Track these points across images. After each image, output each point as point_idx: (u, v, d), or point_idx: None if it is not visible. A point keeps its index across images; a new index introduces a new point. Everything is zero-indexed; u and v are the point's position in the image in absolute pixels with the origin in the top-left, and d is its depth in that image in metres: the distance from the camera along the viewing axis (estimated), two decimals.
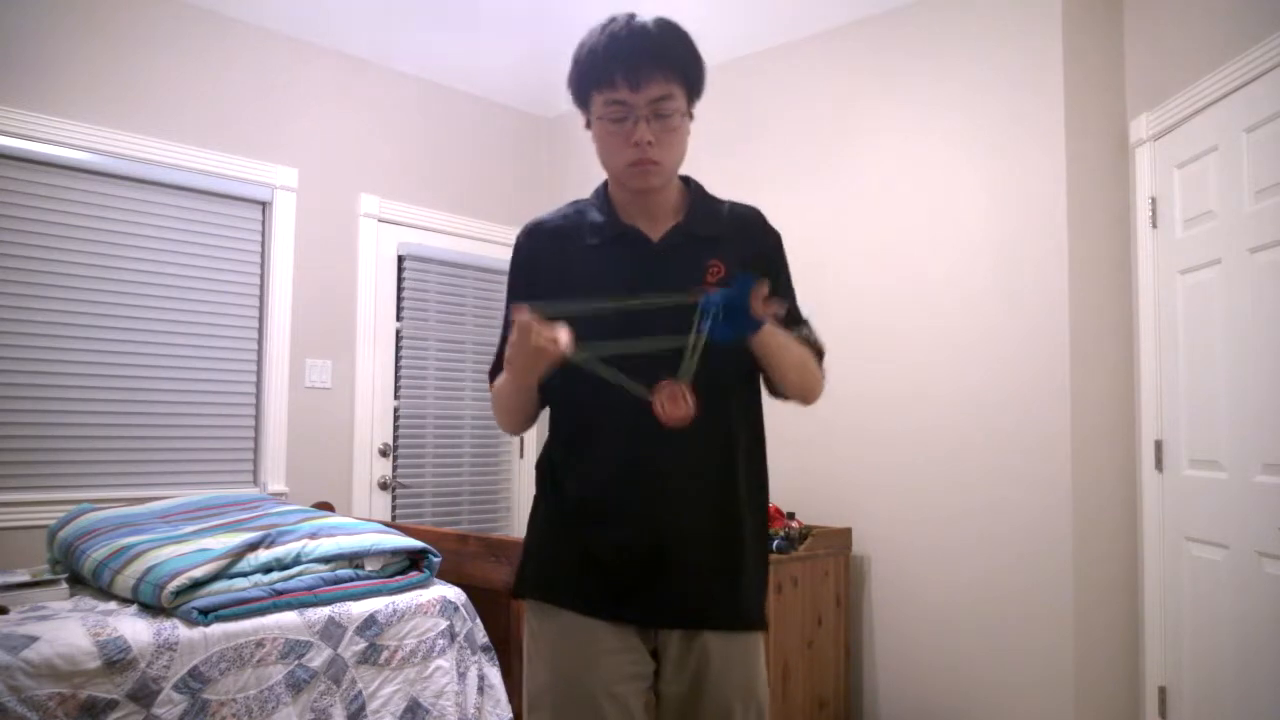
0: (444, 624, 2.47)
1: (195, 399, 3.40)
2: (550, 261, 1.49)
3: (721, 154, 3.59)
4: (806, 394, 1.53)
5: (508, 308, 1.50)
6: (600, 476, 1.44)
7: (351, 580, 2.42)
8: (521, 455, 4.37)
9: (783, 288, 1.56)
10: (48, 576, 2.49)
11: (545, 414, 1.58)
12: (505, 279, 1.59)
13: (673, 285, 1.39)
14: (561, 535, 1.47)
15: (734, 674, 1.44)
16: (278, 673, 2.16)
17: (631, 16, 1.41)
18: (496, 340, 1.57)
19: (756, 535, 1.51)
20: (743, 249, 1.50)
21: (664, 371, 1.33)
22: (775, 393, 1.55)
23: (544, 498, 1.52)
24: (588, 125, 1.47)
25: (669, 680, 1.44)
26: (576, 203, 1.56)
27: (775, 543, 3.04)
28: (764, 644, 1.52)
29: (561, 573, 1.46)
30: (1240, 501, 2.47)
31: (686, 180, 1.56)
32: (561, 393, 1.49)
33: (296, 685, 2.18)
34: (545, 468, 1.53)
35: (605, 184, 1.54)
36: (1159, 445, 2.86)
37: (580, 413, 1.48)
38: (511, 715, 2.51)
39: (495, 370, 1.54)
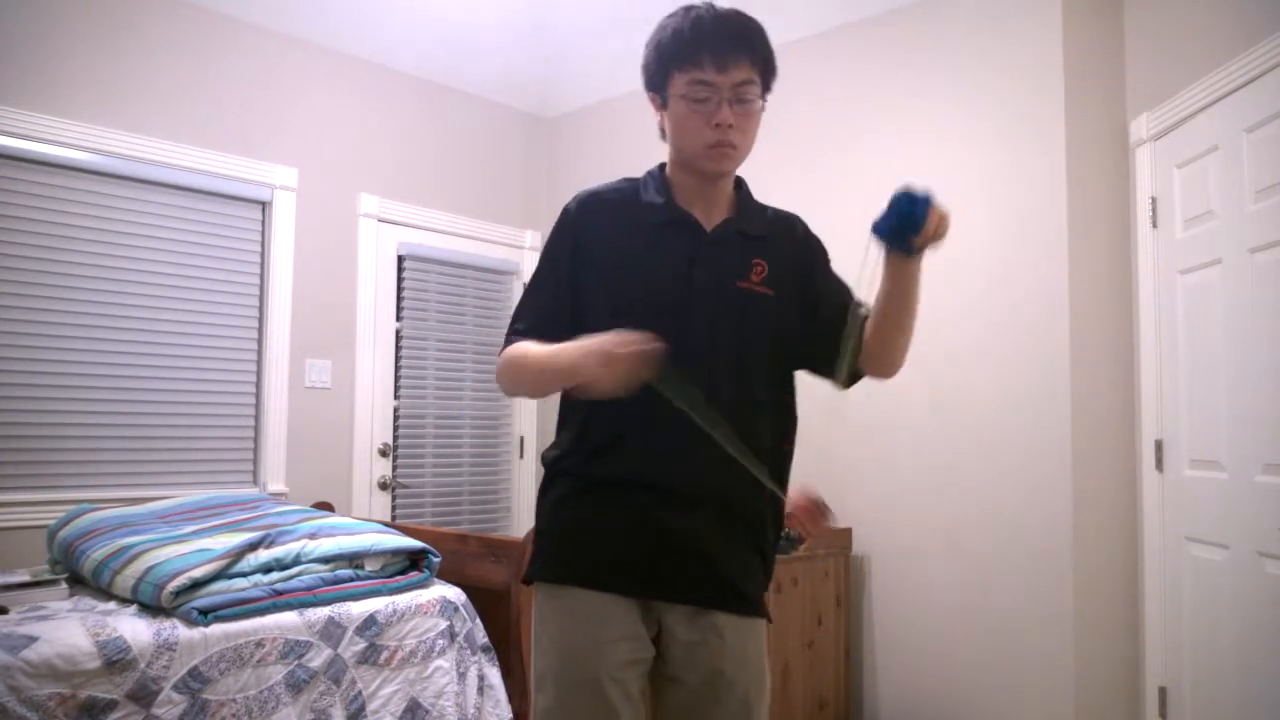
0: (444, 624, 2.47)
1: (195, 399, 3.40)
2: (605, 233, 1.50)
3: None
4: (902, 356, 1.55)
5: (544, 265, 1.52)
6: (637, 453, 1.44)
7: (351, 580, 2.42)
8: (521, 455, 4.37)
9: (838, 282, 1.60)
10: (48, 576, 2.49)
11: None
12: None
13: (720, 275, 1.45)
14: (584, 514, 1.47)
15: (748, 658, 1.46)
16: (277, 673, 2.16)
17: (712, 5, 1.44)
18: (504, 329, 1.55)
19: (774, 531, 1.54)
20: (787, 252, 1.54)
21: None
22: (871, 364, 1.53)
23: (565, 478, 1.51)
24: (662, 106, 1.47)
25: (679, 665, 1.45)
26: (630, 180, 1.56)
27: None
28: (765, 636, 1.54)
29: (580, 550, 1.46)
30: (1240, 501, 2.47)
31: (737, 180, 1.58)
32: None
33: (296, 685, 2.18)
34: (571, 447, 1.50)
35: (662, 167, 1.55)
36: (1159, 445, 2.85)
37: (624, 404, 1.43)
38: (511, 715, 2.51)
39: (517, 330, 1.49)
